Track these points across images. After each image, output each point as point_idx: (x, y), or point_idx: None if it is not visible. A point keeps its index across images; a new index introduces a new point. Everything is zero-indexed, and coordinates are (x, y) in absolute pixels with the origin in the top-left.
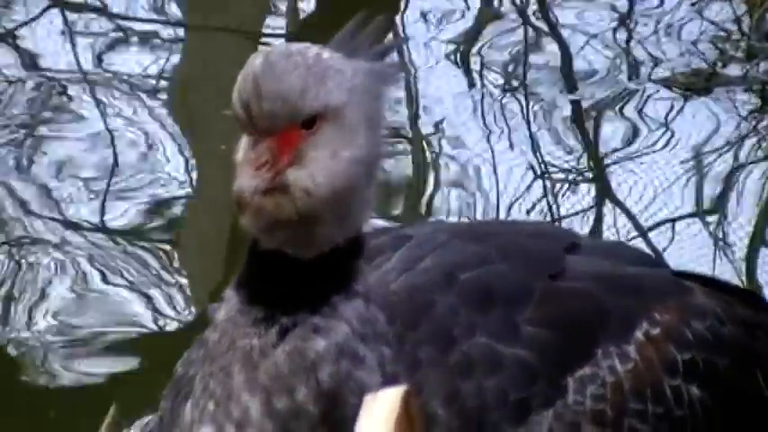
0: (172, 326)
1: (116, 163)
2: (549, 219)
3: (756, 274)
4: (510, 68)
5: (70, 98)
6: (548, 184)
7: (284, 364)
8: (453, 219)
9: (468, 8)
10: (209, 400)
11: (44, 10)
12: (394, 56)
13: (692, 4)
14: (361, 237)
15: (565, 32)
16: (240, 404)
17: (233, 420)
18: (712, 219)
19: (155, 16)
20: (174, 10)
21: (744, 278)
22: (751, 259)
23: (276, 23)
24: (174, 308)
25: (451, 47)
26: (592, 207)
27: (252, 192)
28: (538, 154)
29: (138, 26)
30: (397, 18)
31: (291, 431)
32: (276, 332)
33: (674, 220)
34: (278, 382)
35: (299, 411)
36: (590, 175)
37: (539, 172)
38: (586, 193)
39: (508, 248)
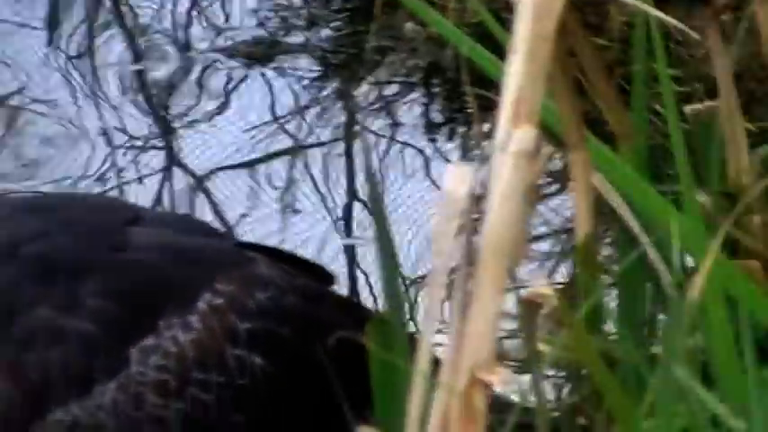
0: None
1: None
2: (118, 187)
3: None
4: (78, 38)
5: None
6: (117, 152)
7: None
8: (16, 190)
9: None
10: None
11: None
12: None
13: None
14: None
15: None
16: None
17: None
18: (281, 185)
19: None
20: None
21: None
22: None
23: None
24: None
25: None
26: (159, 174)
27: None
28: (104, 122)
29: None
30: None
31: None
32: None
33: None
34: None
35: None
36: (158, 143)
37: (106, 140)
38: (154, 161)
39: (70, 222)
